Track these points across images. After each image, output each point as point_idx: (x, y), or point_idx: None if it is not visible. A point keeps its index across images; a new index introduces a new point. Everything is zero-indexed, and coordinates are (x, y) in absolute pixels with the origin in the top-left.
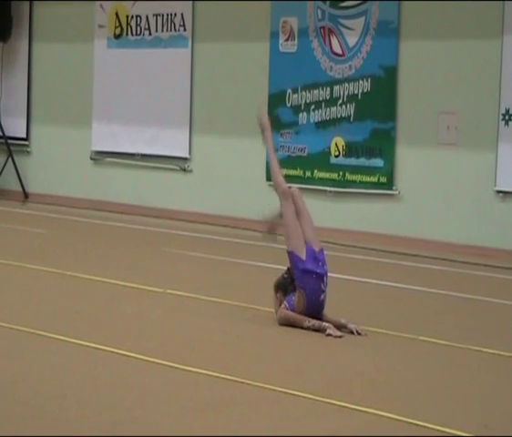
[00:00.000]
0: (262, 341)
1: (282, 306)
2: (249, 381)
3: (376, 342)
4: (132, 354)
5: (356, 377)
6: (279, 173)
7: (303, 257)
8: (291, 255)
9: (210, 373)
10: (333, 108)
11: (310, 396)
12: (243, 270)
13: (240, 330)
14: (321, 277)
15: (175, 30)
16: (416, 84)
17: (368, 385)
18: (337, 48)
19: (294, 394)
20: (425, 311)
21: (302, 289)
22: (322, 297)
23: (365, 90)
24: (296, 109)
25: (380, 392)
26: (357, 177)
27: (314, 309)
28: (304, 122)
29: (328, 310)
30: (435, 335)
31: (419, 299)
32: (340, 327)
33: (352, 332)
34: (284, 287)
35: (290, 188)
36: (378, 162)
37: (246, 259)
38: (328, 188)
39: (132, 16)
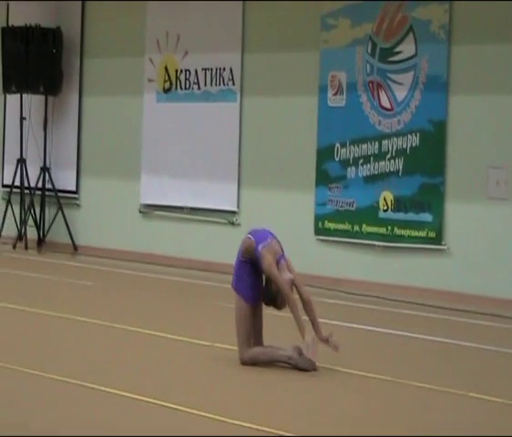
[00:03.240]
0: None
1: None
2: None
3: (423, 397)
4: (179, 407)
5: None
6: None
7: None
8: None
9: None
10: (382, 163)
11: None
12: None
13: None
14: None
15: (224, 84)
16: (465, 138)
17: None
18: (386, 103)
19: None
20: (475, 368)
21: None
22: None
23: (414, 144)
24: (345, 163)
25: None
26: (406, 232)
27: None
28: (353, 176)
29: (374, 364)
30: (484, 391)
31: (468, 355)
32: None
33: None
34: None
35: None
36: (427, 217)
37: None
38: (376, 243)
39: (181, 70)
